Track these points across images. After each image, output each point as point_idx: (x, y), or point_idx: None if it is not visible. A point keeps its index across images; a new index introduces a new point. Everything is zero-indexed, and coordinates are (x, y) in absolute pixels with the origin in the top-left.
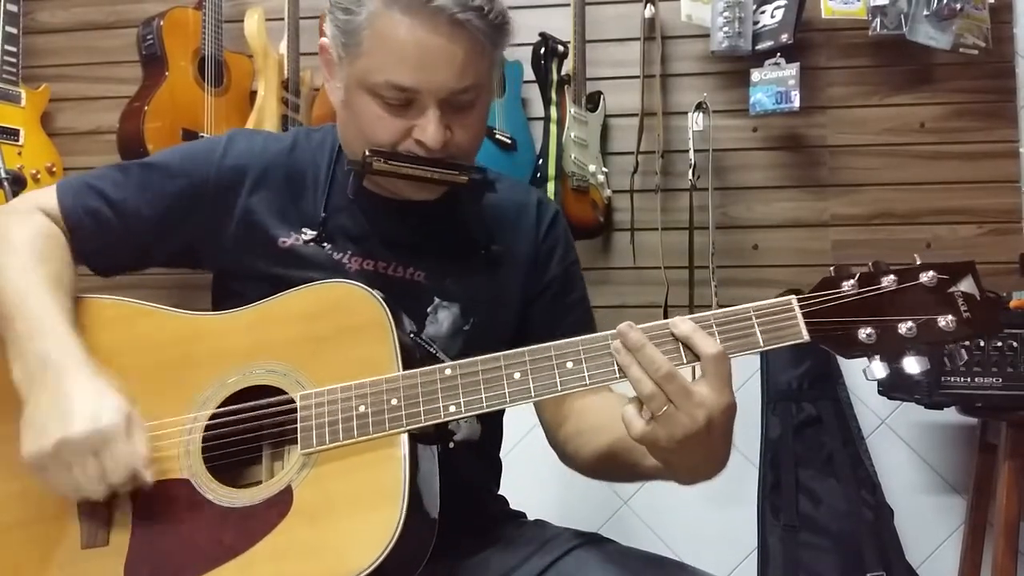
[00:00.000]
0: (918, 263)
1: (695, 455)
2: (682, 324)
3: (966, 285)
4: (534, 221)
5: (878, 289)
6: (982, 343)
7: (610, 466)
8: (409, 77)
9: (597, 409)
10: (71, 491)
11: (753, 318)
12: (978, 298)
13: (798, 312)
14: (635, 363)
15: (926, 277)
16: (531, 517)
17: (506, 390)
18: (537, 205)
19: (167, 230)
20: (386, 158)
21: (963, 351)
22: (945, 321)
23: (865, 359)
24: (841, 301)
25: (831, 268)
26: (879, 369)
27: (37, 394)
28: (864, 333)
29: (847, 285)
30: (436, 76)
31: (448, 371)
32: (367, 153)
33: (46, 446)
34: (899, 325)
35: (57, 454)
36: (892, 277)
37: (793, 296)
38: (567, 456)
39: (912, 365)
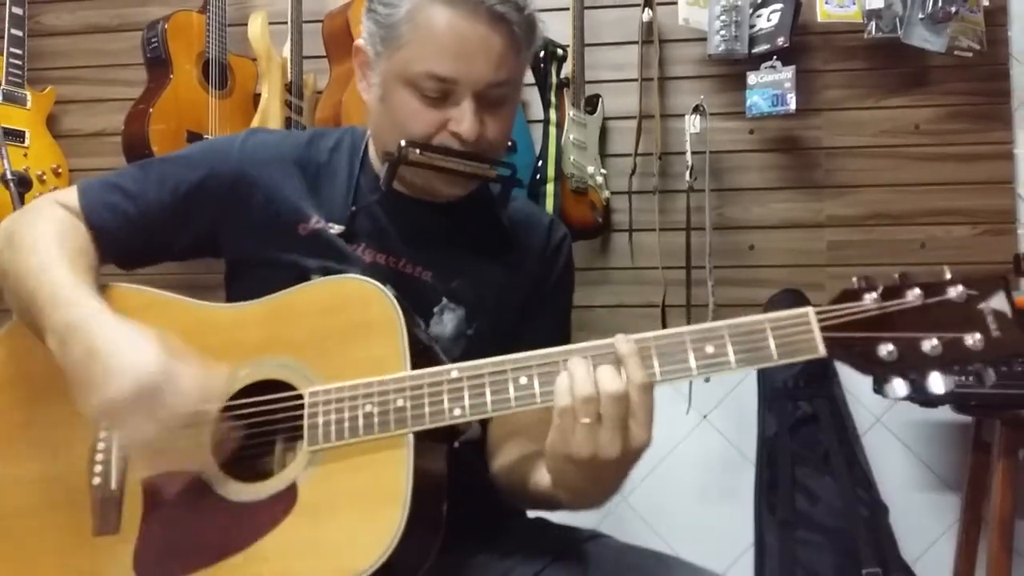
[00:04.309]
0: (947, 277)
1: (588, 478)
2: (624, 345)
3: (997, 302)
4: (546, 239)
5: (902, 303)
6: None
7: (511, 476)
8: (448, 67)
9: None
10: (147, 438)
11: (768, 331)
12: (1009, 316)
13: (815, 326)
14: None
15: (954, 292)
16: (531, 515)
17: (511, 394)
18: (550, 225)
19: (188, 218)
20: (422, 149)
21: (991, 371)
22: (972, 340)
23: (887, 376)
24: (861, 315)
25: (854, 279)
26: (900, 388)
27: (71, 358)
28: (885, 350)
29: (869, 298)
30: (474, 67)
31: (455, 373)
32: (403, 144)
33: (102, 407)
34: (923, 343)
35: (116, 412)
36: (918, 291)
37: (810, 308)
38: (492, 466)
39: (936, 384)
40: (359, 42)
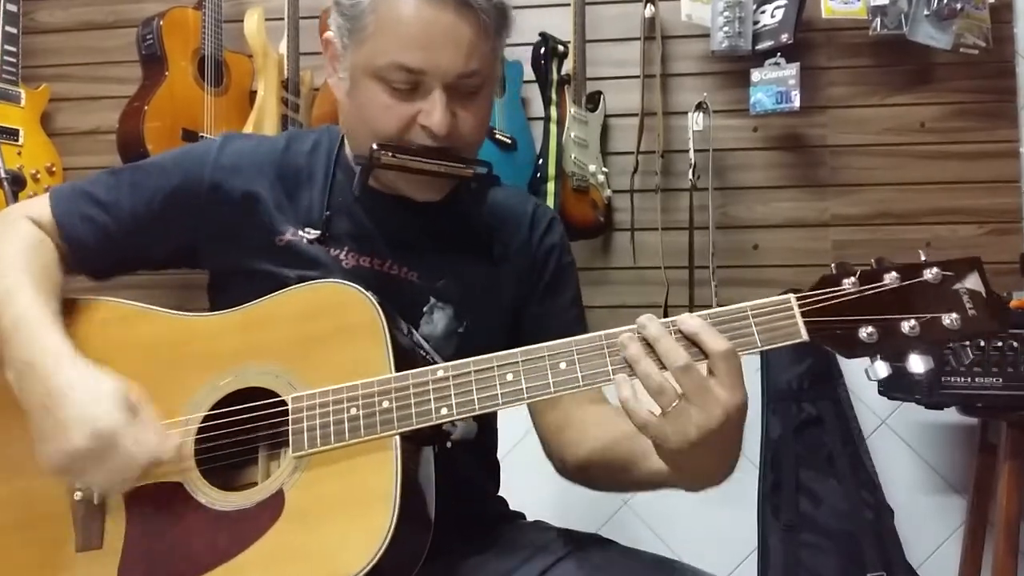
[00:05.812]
0: (922, 259)
1: (706, 456)
2: (690, 320)
3: (971, 282)
4: (530, 227)
5: (880, 287)
6: (983, 343)
7: (607, 469)
8: (415, 58)
9: (600, 420)
10: (106, 489)
11: (750, 317)
12: (984, 295)
13: (796, 311)
14: (646, 357)
15: (930, 274)
16: (530, 518)
17: (499, 391)
18: (533, 212)
19: (163, 228)
20: (394, 151)
21: (968, 350)
22: (949, 319)
23: (867, 359)
24: (841, 299)
25: (832, 265)
26: (881, 369)
27: (28, 400)
28: (865, 332)
29: (847, 283)
30: (442, 57)
31: (440, 372)
32: (375, 147)
33: (56, 460)
34: (901, 324)
35: (70, 465)
36: (894, 274)
37: (792, 295)
38: (564, 463)
39: (916, 364)
40: (328, 35)
